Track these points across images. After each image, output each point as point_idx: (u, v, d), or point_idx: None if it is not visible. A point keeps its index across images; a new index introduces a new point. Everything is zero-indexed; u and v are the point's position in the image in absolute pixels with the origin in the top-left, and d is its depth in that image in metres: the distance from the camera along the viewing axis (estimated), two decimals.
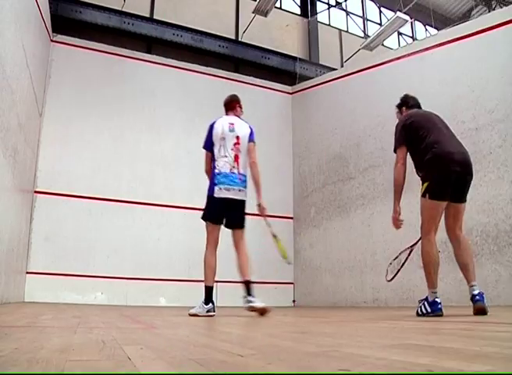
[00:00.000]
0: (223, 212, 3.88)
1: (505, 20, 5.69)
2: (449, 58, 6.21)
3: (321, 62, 10.88)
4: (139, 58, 7.79)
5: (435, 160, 3.21)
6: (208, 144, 3.89)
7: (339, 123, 7.56)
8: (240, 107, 4.23)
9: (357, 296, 6.77)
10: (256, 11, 9.42)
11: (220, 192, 3.78)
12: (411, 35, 14.21)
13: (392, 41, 12.90)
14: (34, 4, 5.51)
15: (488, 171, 5.42)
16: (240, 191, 3.83)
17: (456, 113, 5.80)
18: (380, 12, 13.78)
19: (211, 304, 3.83)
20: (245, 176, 3.85)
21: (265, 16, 9.58)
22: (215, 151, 3.82)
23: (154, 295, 6.90)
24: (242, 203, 3.89)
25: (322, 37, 11.69)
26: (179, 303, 6.76)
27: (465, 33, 6.10)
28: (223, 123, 3.94)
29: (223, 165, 3.78)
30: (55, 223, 6.50)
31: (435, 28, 13.42)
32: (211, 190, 3.79)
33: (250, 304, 3.77)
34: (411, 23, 13.42)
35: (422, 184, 3.36)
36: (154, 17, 9.31)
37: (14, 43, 4.44)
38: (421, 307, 3.25)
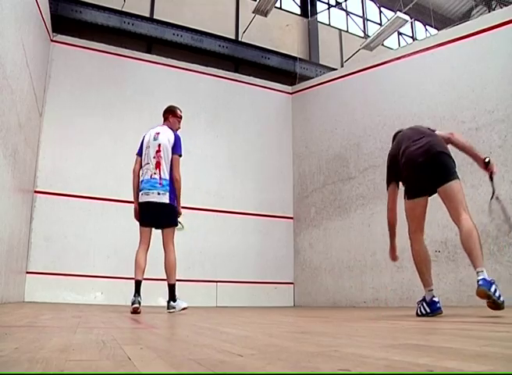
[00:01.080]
0: (148, 215, 4.17)
1: (505, 20, 5.69)
2: (449, 58, 6.21)
3: (321, 62, 10.88)
4: (139, 58, 7.79)
5: (403, 166, 3.26)
6: (140, 151, 4.38)
7: (339, 122, 7.56)
8: (176, 116, 4.46)
9: (356, 296, 6.77)
10: (256, 11, 9.42)
11: (141, 197, 4.16)
12: (411, 35, 14.21)
13: (392, 41, 12.90)
14: (34, 4, 5.51)
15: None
16: (159, 193, 4.06)
17: (456, 113, 5.80)
18: (380, 12, 13.78)
19: (136, 297, 4.06)
20: (167, 180, 4.09)
21: (265, 15, 9.59)
22: (142, 158, 4.26)
23: (153, 295, 6.90)
24: (164, 205, 4.08)
25: (322, 37, 11.69)
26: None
27: (465, 34, 6.11)
28: (151, 132, 4.34)
29: (145, 172, 4.14)
30: (55, 223, 6.50)
31: (435, 28, 13.42)
32: (137, 196, 4.24)
33: (169, 309, 4.22)
34: (411, 23, 13.43)
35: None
36: (154, 17, 9.31)
37: (14, 43, 4.44)
38: (420, 308, 3.21)
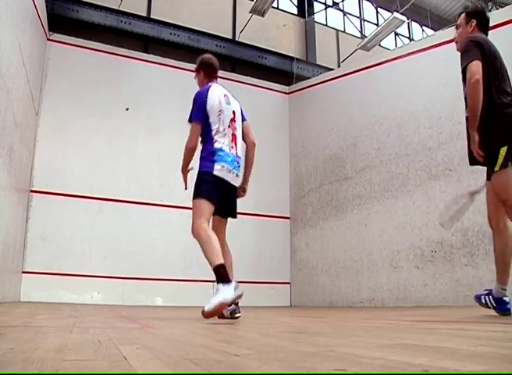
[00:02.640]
0: (219, 196, 3.11)
1: (501, 22, 5.71)
2: (445, 58, 6.22)
3: (318, 63, 10.90)
4: (136, 57, 7.78)
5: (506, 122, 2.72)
6: (201, 116, 3.08)
7: (336, 123, 7.57)
8: None
9: (353, 296, 6.79)
10: (253, 11, 9.43)
11: (222, 171, 3.04)
12: (408, 36, 14.25)
13: (389, 42, 12.93)
14: (30, 2, 5.49)
15: (484, 171, 5.42)
16: (237, 176, 3.17)
17: (453, 114, 5.81)
18: (377, 12, 13.81)
19: (232, 284, 2.87)
20: (240, 158, 3.24)
21: (262, 15, 9.59)
22: (212, 125, 3.06)
23: (150, 295, 6.90)
24: (236, 191, 3.31)
25: (319, 38, 11.71)
26: (175, 303, 6.75)
27: None
28: (218, 93, 3.19)
29: (221, 142, 3.05)
30: (51, 223, 6.48)
31: (431, 29, 13.47)
32: (207, 166, 3.04)
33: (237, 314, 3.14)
34: (408, 23, 13.46)
35: (494, 153, 2.76)
36: (151, 16, 9.30)
37: (10, 41, 4.42)
38: (485, 297, 2.94)
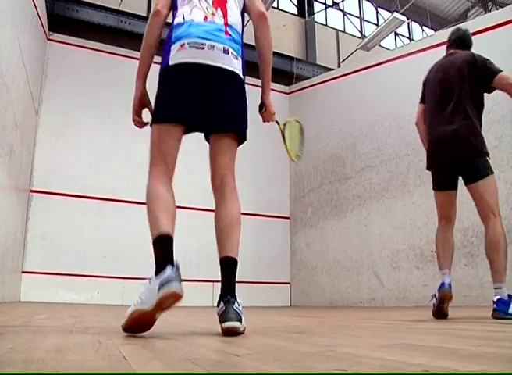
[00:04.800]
0: (191, 98, 1.85)
1: (501, 22, 5.71)
2: None
3: (318, 63, 10.89)
4: (136, 57, 7.70)
5: (429, 150, 3.09)
6: None
7: (336, 123, 7.57)
8: None
9: (353, 296, 6.79)
10: None
11: (182, 53, 1.87)
12: (408, 36, 14.25)
13: (389, 42, 12.93)
14: (30, 2, 5.49)
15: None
16: (226, 52, 1.90)
17: None
18: (377, 12, 13.81)
19: (169, 268, 1.68)
20: (237, 32, 2.03)
21: None
22: None
23: None
24: (233, 77, 1.96)
25: (319, 38, 11.71)
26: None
27: None
28: None
29: (191, 11, 1.93)
30: (51, 223, 6.48)
31: (431, 29, 13.47)
32: (162, 61, 2.05)
33: (223, 323, 1.81)
34: (408, 23, 13.46)
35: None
36: None
37: (10, 41, 4.42)
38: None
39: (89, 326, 2.25)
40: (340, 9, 12.88)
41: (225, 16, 1.96)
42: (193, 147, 8.64)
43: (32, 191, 6.50)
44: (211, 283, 7.31)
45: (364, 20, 13.48)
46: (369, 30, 12.80)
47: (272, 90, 8.04)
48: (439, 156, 3.00)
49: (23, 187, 6.01)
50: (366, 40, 10.88)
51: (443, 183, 3.00)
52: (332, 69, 9.31)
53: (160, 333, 1.88)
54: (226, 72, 1.89)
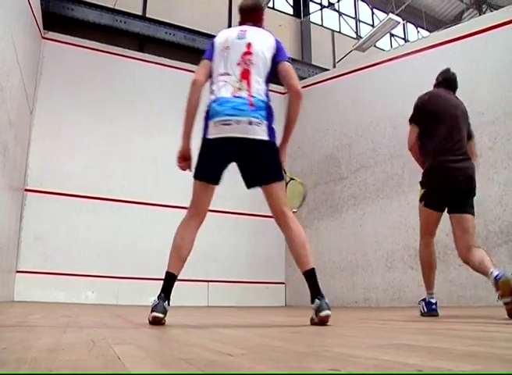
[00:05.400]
0: (223, 166, 2.47)
1: (495, 24, 5.74)
2: (440, 60, 6.24)
3: (313, 63, 10.91)
4: (131, 56, 7.76)
5: (437, 172, 3.16)
6: (209, 53, 2.51)
7: (331, 123, 7.59)
8: (262, 19, 2.77)
9: (348, 296, 6.80)
10: None
11: (216, 129, 2.32)
12: (403, 37, 14.30)
13: (384, 43, 12.97)
14: (25, 0, 5.46)
15: (478, 173, 5.44)
16: (250, 123, 2.29)
17: None
18: (372, 13, 13.85)
19: (159, 299, 2.31)
20: (263, 101, 2.37)
21: None
22: (213, 73, 2.47)
23: (145, 295, 6.86)
24: (262, 144, 2.35)
25: (315, 38, 11.72)
26: (170, 303, 6.74)
27: (456, 36, 6.15)
28: (231, 30, 2.59)
29: (222, 86, 2.38)
30: (45, 222, 6.45)
31: (426, 30, 13.53)
32: (204, 130, 2.40)
33: (320, 312, 2.31)
34: (403, 24, 13.51)
35: (421, 188, 3.29)
36: (147, 15, 9.28)
37: (4, 39, 4.39)
38: (422, 306, 3.23)
39: (83, 325, 2.24)
40: (336, 10, 12.91)
41: (249, 87, 2.35)
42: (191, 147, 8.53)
43: (26, 190, 6.46)
44: (206, 283, 7.31)
45: (360, 21, 13.52)
46: (365, 30, 12.83)
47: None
48: (448, 183, 3.09)
49: (17, 186, 5.98)
50: (361, 40, 10.91)
51: (438, 205, 3.15)
52: (328, 70, 9.33)
53: (154, 332, 1.88)
54: (252, 141, 2.32)
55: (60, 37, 7.17)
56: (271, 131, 2.39)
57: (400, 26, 13.06)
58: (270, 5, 10.44)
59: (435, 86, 3.61)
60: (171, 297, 2.41)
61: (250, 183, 2.56)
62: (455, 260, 5.55)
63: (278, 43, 2.54)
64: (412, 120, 3.40)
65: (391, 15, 10.21)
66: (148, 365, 0.97)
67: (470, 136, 3.31)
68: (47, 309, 4.03)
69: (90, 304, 6.17)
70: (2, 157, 4.71)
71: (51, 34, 7.10)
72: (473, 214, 3.10)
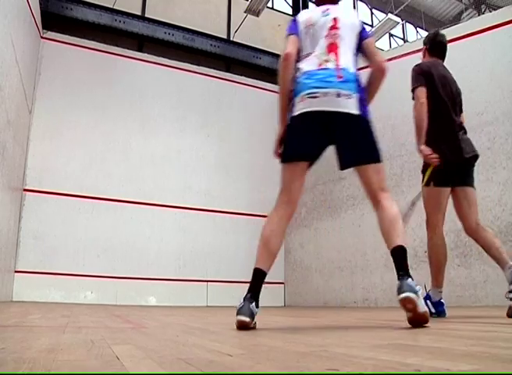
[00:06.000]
0: (316, 141, 2.21)
1: (493, 24, 5.75)
2: None
3: None
4: (130, 56, 7.76)
5: (444, 146, 2.99)
6: (295, 29, 2.36)
7: None
8: None
9: (347, 296, 6.80)
10: (248, 11, 9.42)
11: (302, 104, 2.14)
12: (402, 37, 14.30)
13: (383, 43, 12.96)
14: (24, 0, 5.46)
15: (477, 173, 5.46)
16: (338, 95, 2.09)
17: None
18: (372, 13, 13.85)
19: (245, 301, 2.08)
20: (353, 74, 2.19)
21: (257, 15, 9.58)
22: (300, 53, 2.31)
23: (144, 295, 6.88)
24: (352, 119, 2.14)
25: None
26: (169, 302, 6.74)
27: (455, 36, 6.15)
28: (313, 10, 2.49)
29: (308, 60, 2.24)
30: (44, 222, 6.45)
31: (425, 30, 13.52)
32: (291, 110, 2.24)
33: (399, 295, 1.91)
34: (402, 25, 13.52)
35: (426, 170, 3.07)
36: (146, 15, 9.26)
37: (3, 39, 4.39)
38: (429, 306, 2.97)
39: (82, 325, 2.24)
40: None
41: (337, 59, 2.18)
42: (188, 146, 8.63)
43: (25, 190, 6.46)
44: (205, 282, 7.31)
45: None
46: None
47: (267, 90, 8.12)
48: (457, 156, 3.00)
49: (16, 186, 5.97)
50: None
51: (449, 180, 3.02)
52: None
53: (153, 332, 1.87)
54: (341, 114, 2.10)
55: (59, 37, 7.17)
56: (362, 105, 2.18)
57: (399, 27, 13.06)
58: (269, 5, 10.43)
59: (426, 50, 3.37)
60: (259, 297, 2.20)
61: (343, 164, 2.30)
62: (454, 260, 5.56)
63: (360, 21, 2.42)
64: (418, 84, 3.14)
65: (390, 15, 10.22)
66: (148, 365, 0.97)
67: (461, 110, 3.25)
68: (45, 309, 4.02)
69: (89, 304, 6.17)
70: (1, 157, 4.70)
71: (50, 34, 7.10)
72: (474, 187, 3.07)
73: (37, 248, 6.34)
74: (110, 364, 0.96)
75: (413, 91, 3.17)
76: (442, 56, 3.34)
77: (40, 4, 6.67)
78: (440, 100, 3.10)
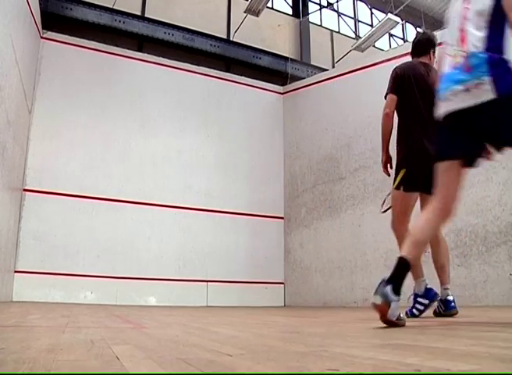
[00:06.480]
0: (465, 140, 2.08)
1: None
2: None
3: (312, 63, 10.91)
4: (130, 56, 7.75)
5: (417, 154, 3.04)
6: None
7: (330, 123, 7.59)
8: None
9: (347, 296, 6.80)
10: (248, 10, 9.42)
11: (441, 108, 2.12)
12: (402, 37, 14.30)
13: (383, 43, 12.96)
14: (24, 0, 5.46)
15: (477, 173, 5.46)
16: (468, 90, 1.96)
17: None
18: (371, 13, 13.84)
19: (382, 282, 2.14)
20: (481, 54, 1.96)
21: (257, 15, 9.59)
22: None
23: (144, 295, 6.88)
24: (490, 106, 1.91)
25: (314, 38, 11.72)
26: (169, 303, 6.74)
27: None
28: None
29: (445, 62, 2.19)
30: (44, 222, 6.45)
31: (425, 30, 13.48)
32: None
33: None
34: (402, 24, 13.51)
35: (398, 172, 3.14)
36: (146, 15, 9.27)
37: (3, 39, 4.39)
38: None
39: (82, 325, 2.24)
40: (335, 10, 12.90)
41: (464, 46, 2.04)
42: (188, 146, 8.63)
43: (25, 190, 6.46)
44: (205, 283, 7.31)
45: (359, 21, 13.51)
46: (363, 30, 12.83)
47: (266, 90, 8.13)
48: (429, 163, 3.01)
49: (15, 186, 5.97)
50: (360, 40, 10.91)
51: (418, 185, 3.04)
52: (327, 70, 9.33)
53: (153, 332, 1.87)
54: (476, 109, 1.95)
55: (59, 37, 7.16)
56: (501, 81, 1.90)
57: (399, 26, 13.07)
58: (269, 5, 10.43)
59: (422, 53, 3.39)
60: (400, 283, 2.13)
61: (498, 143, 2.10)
62: (454, 260, 5.55)
63: None
64: (389, 91, 3.28)
65: (390, 15, 10.21)
66: (147, 365, 0.97)
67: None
68: (45, 309, 4.02)
69: (89, 304, 6.17)
70: (1, 157, 4.70)
71: (49, 34, 7.10)
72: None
73: (37, 248, 6.34)
74: (110, 364, 0.96)
75: (385, 97, 3.33)
76: (418, 54, 3.34)
77: (40, 4, 6.67)
78: (414, 102, 3.13)
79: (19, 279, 6.10)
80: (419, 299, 3.00)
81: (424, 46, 3.32)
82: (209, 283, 7.32)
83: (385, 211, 3.30)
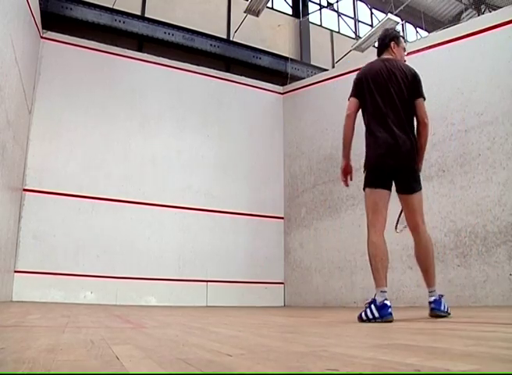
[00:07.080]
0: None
1: (493, 24, 5.75)
2: (439, 60, 6.26)
3: (312, 63, 10.91)
4: (130, 56, 7.75)
5: (376, 150, 3.02)
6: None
7: (330, 123, 7.58)
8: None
9: (346, 296, 6.80)
10: (248, 11, 9.42)
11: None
12: (402, 37, 14.29)
13: None
14: (24, 0, 5.46)
15: (476, 173, 5.48)
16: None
17: (446, 115, 5.84)
18: (371, 13, 13.85)
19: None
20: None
21: (257, 15, 9.58)
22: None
23: (144, 295, 6.88)
24: None
25: (314, 38, 11.72)
26: (169, 303, 6.74)
27: (455, 36, 6.16)
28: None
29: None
30: (44, 222, 6.45)
31: (425, 30, 13.52)
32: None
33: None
34: (402, 25, 13.51)
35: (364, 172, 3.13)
36: (146, 15, 9.26)
37: (3, 39, 4.39)
38: (366, 311, 2.67)
39: (81, 325, 2.24)
40: (335, 10, 12.90)
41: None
42: (188, 146, 8.65)
43: (25, 190, 6.46)
44: (205, 283, 7.31)
45: (359, 21, 13.51)
46: (363, 30, 12.83)
47: (266, 90, 8.14)
48: (389, 159, 2.97)
49: (15, 186, 5.97)
50: (360, 41, 10.90)
51: (381, 182, 3.00)
52: (327, 70, 9.33)
53: (153, 332, 1.87)
54: None
55: (59, 37, 7.16)
56: None
57: (399, 27, 13.05)
58: (269, 5, 10.43)
59: (385, 50, 3.36)
60: None
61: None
62: (453, 260, 5.56)
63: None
64: (350, 95, 3.26)
65: (390, 15, 10.21)
66: (147, 365, 0.97)
67: (418, 97, 3.15)
68: (45, 309, 4.02)
69: (89, 304, 6.17)
70: (1, 157, 4.70)
71: (49, 34, 7.10)
72: (419, 190, 2.96)
73: (37, 248, 6.34)
74: (110, 364, 0.96)
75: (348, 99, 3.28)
76: (380, 53, 3.34)
77: (40, 4, 6.67)
78: (373, 101, 3.10)
79: (19, 279, 6.10)
80: (372, 307, 2.69)
81: (382, 42, 3.32)
82: (209, 283, 7.32)
83: (401, 230, 3.23)
